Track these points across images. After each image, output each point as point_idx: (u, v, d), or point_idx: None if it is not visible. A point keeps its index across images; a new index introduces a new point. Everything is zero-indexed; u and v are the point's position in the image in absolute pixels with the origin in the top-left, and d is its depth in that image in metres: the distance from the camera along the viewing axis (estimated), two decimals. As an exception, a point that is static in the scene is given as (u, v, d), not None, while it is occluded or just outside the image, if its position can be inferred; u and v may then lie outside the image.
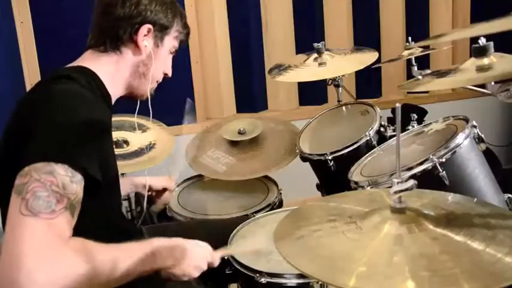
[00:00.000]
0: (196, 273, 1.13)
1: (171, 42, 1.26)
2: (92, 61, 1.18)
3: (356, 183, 1.38)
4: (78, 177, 0.95)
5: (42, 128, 0.96)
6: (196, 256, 1.13)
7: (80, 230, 0.95)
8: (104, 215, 1.12)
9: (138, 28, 1.18)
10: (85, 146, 0.98)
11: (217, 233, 1.43)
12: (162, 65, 1.27)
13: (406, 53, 1.83)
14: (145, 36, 1.19)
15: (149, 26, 1.19)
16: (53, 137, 0.95)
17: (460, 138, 1.27)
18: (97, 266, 0.91)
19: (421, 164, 1.24)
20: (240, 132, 2.01)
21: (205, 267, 1.16)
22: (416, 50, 1.76)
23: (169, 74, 1.31)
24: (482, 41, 1.24)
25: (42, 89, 1.07)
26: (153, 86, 1.28)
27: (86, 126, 1.00)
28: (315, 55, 1.89)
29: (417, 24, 2.92)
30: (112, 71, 1.19)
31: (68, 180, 0.92)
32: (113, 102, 1.22)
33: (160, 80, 1.30)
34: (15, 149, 0.96)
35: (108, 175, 1.09)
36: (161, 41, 1.23)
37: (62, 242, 0.89)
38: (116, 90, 1.21)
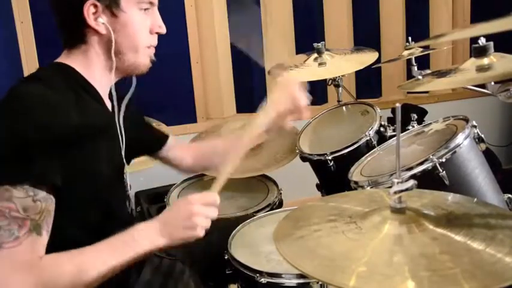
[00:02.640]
0: (201, 232, 1.05)
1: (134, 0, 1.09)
2: (67, 58, 1.10)
3: (356, 183, 1.38)
4: (42, 194, 0.92)
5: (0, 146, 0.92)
6: (179, 217, 1.05)
7: (74, 233, 0.95)
8: (100, 216, 1.10)
9: (81, 10, 1.04)
10: (43, 157, 0.93)
11: (217, 233, 1.42)
12: (140, 29, 1.10)
13: (406, 53, 1.83)
14: (94, 14, 1.05)
15: (92, 1, 1.04)
16: (8, 155, 0.91)
17: (460, 138, 1.27)
18: (75, 277, 0.91)
19: (421, 164, 1.24)
20: (240, 132, 2.01)
21: (213, 214, 1.08)
22: (416, 50, 1.77)
23: (162, 31, 1.15)
24: (482, 41, 1.24)
25: (4, 99, 1.00)
26: (149, 54, 1.14)
27: (43, 134, 0.93)
28: (315, 55, 1.89)
29: (417, 24, 2.92)
30: (87, 63, 1.09)
31: (30, 200, 0.90)
32: (107, 92, 1.15)
33: (155, 43, 1.15)
34: None
35: (94, 177, 1.05)
36: (117, 7, 1.06)
37: (30, 265, 0.88)
38: (103, 81, 1.12)
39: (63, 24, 1.10)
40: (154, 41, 1.15)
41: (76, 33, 1.08)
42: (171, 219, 1.05)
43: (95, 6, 1.04)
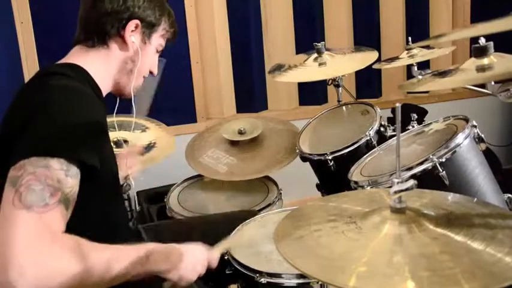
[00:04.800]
0: (194, 277, 1.12)
1: (158, 40, 1.26)
2: (80, 57, 1.18)
3: (356, 183, 1.38)
4: (74, 171, 0.94)
5: (39, 122, 0.96)
6: (193, 259, 1.13)
7: (79, 228, 0.95)
8: (104, 213, 1.11)
9: (126, 23, 1.18)
10: (82, 139, 0.98)
11: (216, 232, 1.42)
12: (148, 62, 1.27)
13: (405, 54, 1.83)
14: (132, 32, 1.19)
15: (137, 21, 1.19)
16: (49, 130, 0.95)
17: (460, 138, 1.27)
18: (90, 265, 0.90)
19: (421, 164, 1.24)
20: (240, 132, 2.01)
21: (202, 270, 1.15)
22: (419, 52, 1.77)
23: (155, 73, 1.32)
24: (482, 41, 1.24)
25: (40, 84, 1.07)
26: (139, 83, 1.28)
27: (83, 121, 1.00)
28: (315, 55, 1.89)
29: (417, 24, 2.92)
30: (100, 66, 1.18)
31: (63, 174, 0.92)
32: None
33: (146, 76, 1.30)
34: (11, 142, 0.96)
35: (108, 172, 1.09)
36: (148, 38, 1.23)
37: (54, 236, 0.88)
38: (105, 86, 1.21)
39: (99, 23, 1.18)
40: (147, 75, 1.30)
41: (106, 37, 1.18)
42: (185, 259, 1.11)
43: (136, 26, 1.19)
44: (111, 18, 1.17)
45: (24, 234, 0.85)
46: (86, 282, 0.90)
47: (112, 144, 1.78)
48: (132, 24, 1.18)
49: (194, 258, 1.13)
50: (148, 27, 1.22)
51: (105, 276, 0.93)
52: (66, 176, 0.93)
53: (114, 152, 1.19)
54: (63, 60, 1.18)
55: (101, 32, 1.17)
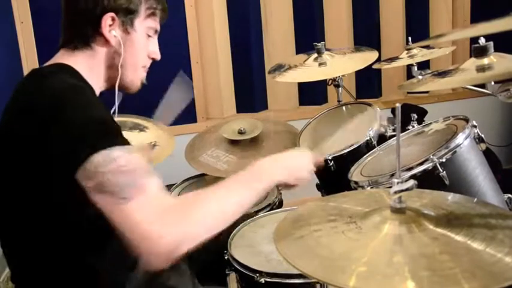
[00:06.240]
0: (308, 175, 1.19)
1: (144, 24, 1.18)
2: (67, 59, 1.13)
3: (356, 183, 1.38)
4: (130, 149, 0.96)
5: (73, 126, 0.94)
6: (300, 159, 1.20)
7: (91, 260, 0.96)
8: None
9: (100, 19, 1.11)
10: (116, 129, 0.99)
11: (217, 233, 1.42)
12: (142, 50, 1.20)
13: (405, 54, 1.83)
14: (110, 26, 1.13)
15: (111, 14, 1.12)
16: (88, 129, 0.94)
17: (460, 138, 1.27)
18: (219, 205, 0.98)
19: (421, 164, 1.24)
20: (240, 132, 2.01)
21: (313, 169, 1.23)
22: (419, 52, 1.77)
23: (157, 57, 1.24)
24: (482, 41, 1.24)
25: (49, 84, 1.04)
26: (140, 75, 1.23)
27: (103, 115, 1.00)
28: (315, 55, 1.89)
29: (417, 24, 2.92)
30: (88, 67, 1.14)
31: (128, 156, 0.93)
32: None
33: (148, 65, 1.25)
34: (29, 145, 0.95)
35: None
36: (131, 26, 1.15)
37: (164, 202, 0.92)
38: (96, 87, 1.17)
39: (75, 25, 1.15)
40: (148, 63, 1.24)
41: (86, 38, 1.13)
42: (295, 161, 1.19)
43: (113, 19, 1.13)
44: (85, 17, 1.12)
45: (145, 218, 0.87)
46: (226, 217, 0.98)
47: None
48: (107, 18, 1.12)
49: (300, 157, 1.22)
50: (127, 15, 1.14)
51: (235, 208, 1.00)
52: (130, 156, 0.93)
53: None
54: (51, 62, 1.15)
55: (79, 34, 1.13)
